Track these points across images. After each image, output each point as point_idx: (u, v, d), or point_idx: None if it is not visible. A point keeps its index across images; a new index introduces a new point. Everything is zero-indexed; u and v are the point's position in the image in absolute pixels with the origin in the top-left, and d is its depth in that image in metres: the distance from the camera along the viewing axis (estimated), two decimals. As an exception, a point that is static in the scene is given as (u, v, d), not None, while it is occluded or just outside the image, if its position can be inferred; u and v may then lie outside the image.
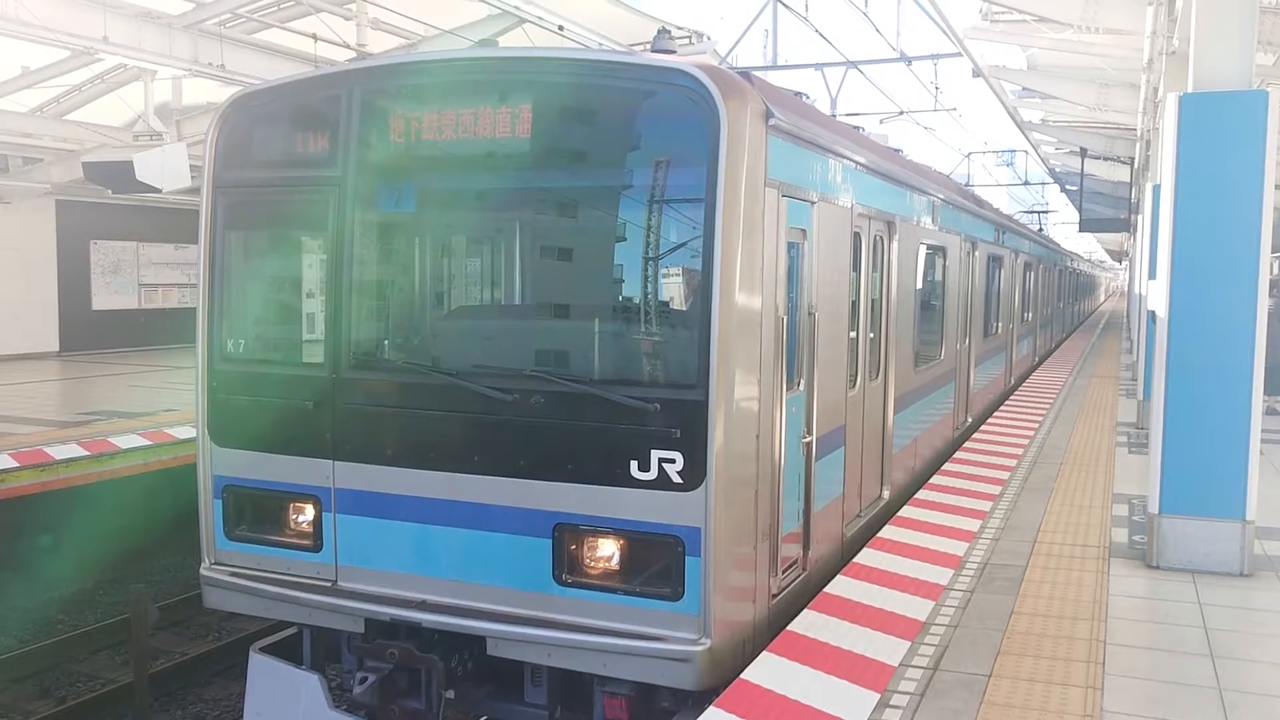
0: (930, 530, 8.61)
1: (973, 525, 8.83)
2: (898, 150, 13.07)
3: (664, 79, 5.85)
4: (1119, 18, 14.96)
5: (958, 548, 8.12)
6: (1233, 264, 7.29)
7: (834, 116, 10.01)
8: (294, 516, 6.81)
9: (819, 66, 23.22)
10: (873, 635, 6.15)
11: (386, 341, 6.77)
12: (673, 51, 7.28)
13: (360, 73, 6.70)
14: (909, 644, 6.03)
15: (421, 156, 6.43)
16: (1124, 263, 60.81)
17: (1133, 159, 25.94)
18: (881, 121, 26.81)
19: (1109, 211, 34.00)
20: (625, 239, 6.11)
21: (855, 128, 11.60)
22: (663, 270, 5.96)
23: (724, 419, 5.65)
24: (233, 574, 6.95)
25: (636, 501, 5.76)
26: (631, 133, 6.07)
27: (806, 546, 7.10)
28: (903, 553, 7.91)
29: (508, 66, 6.36)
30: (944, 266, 12.17)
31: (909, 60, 21.73)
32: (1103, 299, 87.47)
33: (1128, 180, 27.17)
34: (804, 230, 6.82)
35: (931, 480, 10.65)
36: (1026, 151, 37.68)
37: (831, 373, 7.55)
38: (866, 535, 8.49)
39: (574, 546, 5.98)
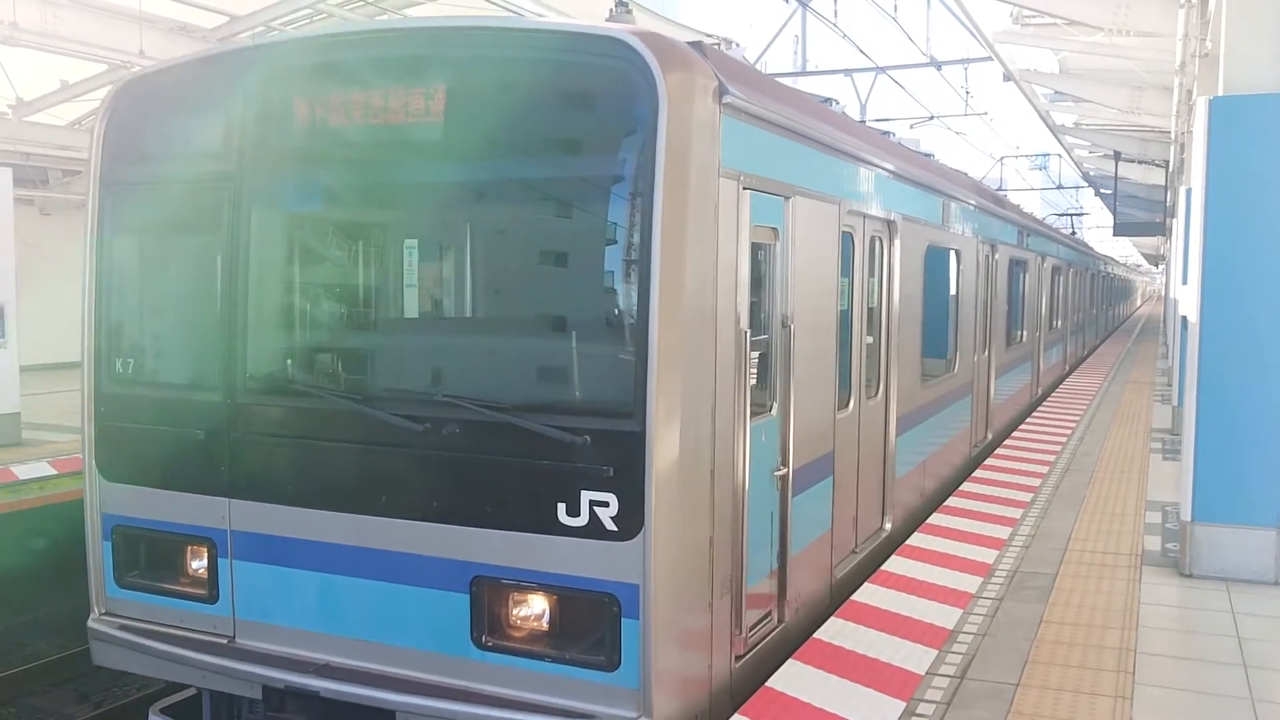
0: (959, 537, 8.55)
1: (1003, 533, 8.77)
2: (930, 153, 12.99)
3: (593, 48, 5.01)
4: (1151, 20, 14.83)
5: (987, 555, 8.06)
6: (1265, 270, 7.20)
7: (845, 111, 9.23)
8: (188, 562, 6.01)
9: (848, 72, 23.23)
10: (899, 643, 6.12)
11: (289, 362, 5.84)
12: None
13: (255, 51, 5.92)
14: (936, 652, 6.00)
15: (323, 148, 5.63)
16: (1160, 267, 60.11)
17: (1167, 162, 25.67)
18: (912, 126, 26.78)
19: (1144, 215, 33.70)
20: (552, 240, 5.40)
21: (882, 130, 11.29)
22: (594, 276, 5.19)
23: (666, 453, 4.81)
24: (122, 627, 6.11)
25: (565, 552, 4.92)
26: (558, 114, 5.19)
27: (783, 595, 6.27)
28: (931, 560, 7.87)
29: (416, 40, 5.56)
30: (958, 271, 11.31)
31: (939, 65, 21.68)
32: (1139, 303, 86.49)
33: (1163, 184, 26.88)
34: (775, 229, 6.01)
35: (961, 488, 10.57)
36: (1060, 155, 37.41)
37: (814, 393, 6.72)
38: (867, 571, 7.70)
39: (495, 604, 5.15)
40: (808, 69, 23.04)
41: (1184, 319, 9.77)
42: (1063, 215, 43.36)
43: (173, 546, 6.02)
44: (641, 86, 4.81)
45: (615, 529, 4.82)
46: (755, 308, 5.86)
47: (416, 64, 5.39)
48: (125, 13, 14.78)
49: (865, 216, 7.74)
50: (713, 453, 5.22)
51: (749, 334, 5.55)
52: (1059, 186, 47.22)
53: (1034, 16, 16.87)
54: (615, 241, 5.04)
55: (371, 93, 5.41)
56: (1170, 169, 25.25)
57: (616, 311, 5.02)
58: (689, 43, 5.27)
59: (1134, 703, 5.34)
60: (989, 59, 19.58)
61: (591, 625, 4.96)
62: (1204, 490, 7.46)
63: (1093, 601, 6.94)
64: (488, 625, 5.16)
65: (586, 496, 4.86)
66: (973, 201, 11.96)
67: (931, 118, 25.82)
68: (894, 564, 7.76)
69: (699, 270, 5.02)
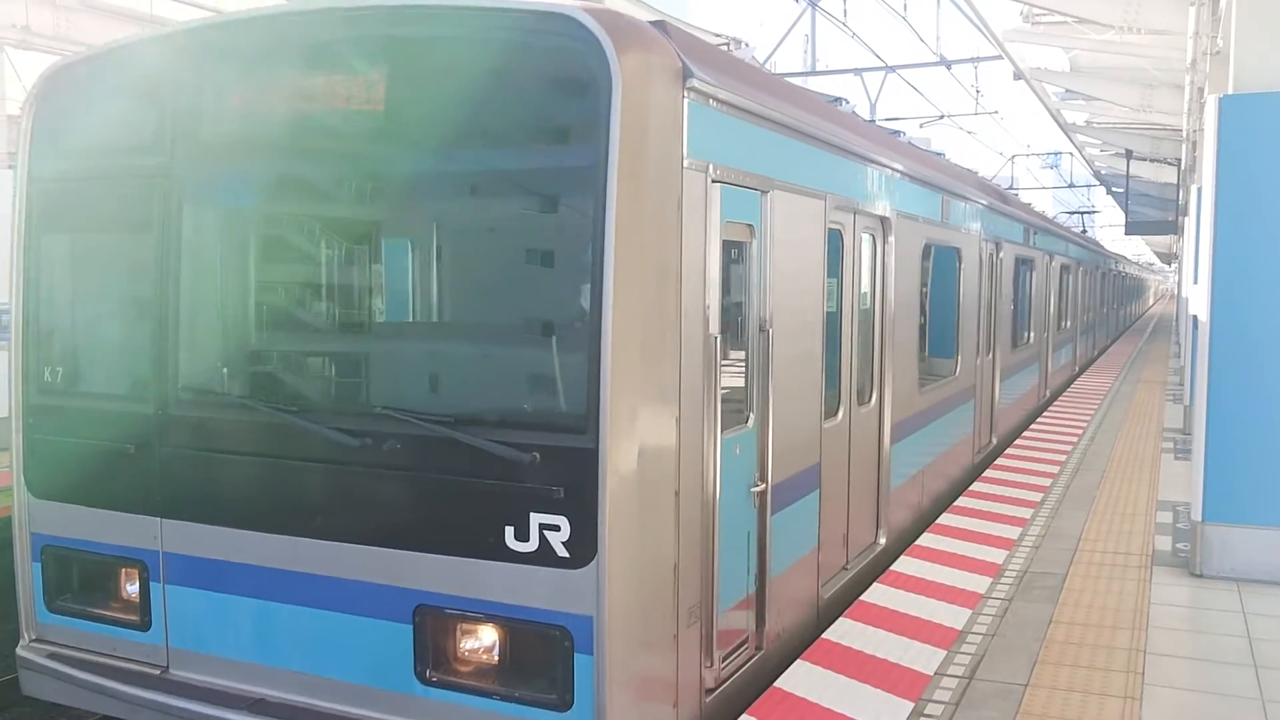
0: (969, 537, 8.54)
1: (1012, 533, 8.75)
2: (941, 152, 12.94)
3: (540, 27, 4.59)
4: (1161, 18, 14.77)
5: (997, 555, 8.05)
6: (1276, 269, 7.17)
7: (855, 110, 9.01)
8: (120, 586, 5.60)
9: (858, 72, 23.21)
10: (908, 643, 6.12)
11: (223, 371, 5.45)
12: None
13: (186, 35, 5.50)
14: (945, 652, 5.99)
15: (256, 138, 5.20)
16: (1173, 265, 59.92)
17: (1179, 160, 25.56)
18: (922, 126, 26.74)
19: (1156, 214, 33.61)
20: (498, 238, 5.03)
21: (891, 129, 11.03)
22: (543, 278, 4.78)
23: (622, 471, 4.41)
24: (51, 655, 5.70)
25: (514, 580, 4.53)
26: (504, 99, 4.70)
27: (761, 621, 5.86)
28: (940, 560, 7.86)
29: (350, 20, 5.07)
30: (959, 270, 10.80)
31: (949, 64, 21.64)
32: (1152, 302, 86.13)
33: (1175, 182, 26.77)
34: (751, 226, 5.61)
35: (971, 488, 10.56)
36: (1071, 154, 37.30)
37: (797, 401, 6.28)
38: (859, 588, 7.34)
39: (439, 636, 4.77)
40: (817, 68, 23.05)
41: (1195, 318, 9.74)
42: (1073, 213, 43.23)
43: (104, 569, 5.62)
44: (593, 68, 4.38)
45: (567, 555, 4.43)
46: (729, 311, 5.49)
47: (350, 46, 4.99)
48: (137, 16, 14.86)
49: (855, 213, 7.32)
50: (678, 470, 4.82)
51: (720, 339, 5.14)
52: (1070, 185, 47.09)
53: (1044, 15, 16.82)
54: (566, 239, 4.65)
55: (300, 78, 5.04)
56: (1182, 167, 25.14)
57: (567, 317, 4.59)
58: (651, 22, 4.89)
59: (1143, 703, 5.32)
60: (999, 58, 19.53)
61: (542, 661, 4.56)
62: (1215, 490, 7.44)
63: (1103, 602, 6.93)
64: (432, 659, 4.77)
65: (536, 519, 4.47)
66: (975, 198, 11.54)
67: (942, 117, 25.77)
68: (903, 564, 7.76)
69: (660, 270, 4.64)
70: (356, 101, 4.90)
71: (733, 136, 5.36)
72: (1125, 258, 49.35)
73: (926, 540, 8.45)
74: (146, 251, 5.43)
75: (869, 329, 7.88)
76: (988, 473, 11.35)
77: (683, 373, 4.82)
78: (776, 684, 5.52)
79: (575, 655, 4.45)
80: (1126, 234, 32.96)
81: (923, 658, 5.91)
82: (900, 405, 8.42)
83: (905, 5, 18.53)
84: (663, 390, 4.70)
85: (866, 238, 7.70)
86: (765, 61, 20.42)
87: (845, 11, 19.26)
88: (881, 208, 7.85)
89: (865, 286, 7.78)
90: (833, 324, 7.00)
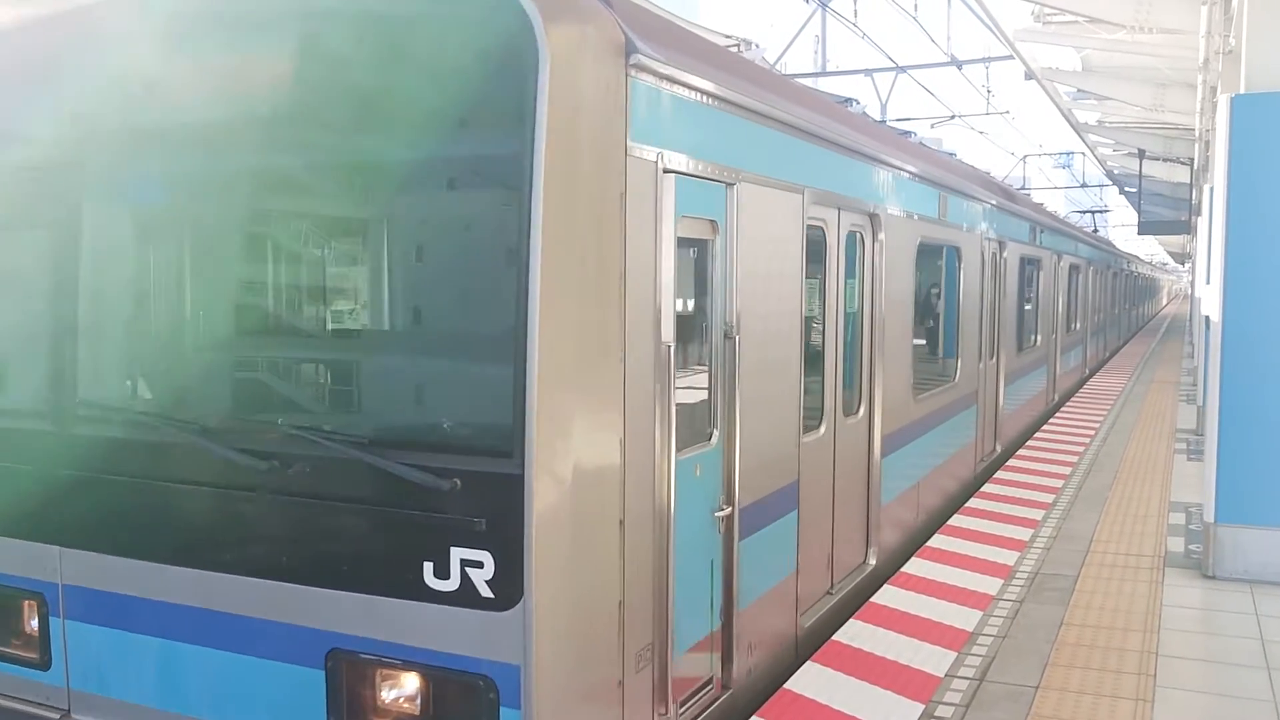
0: (980, 539, 8.52)
1: (1024, 534, 8.73)
2: (947, 147, 12.88)
3: None
4: (1173, 17, 14.72)
5: (1008, 557, 8.03)
6: (1288, 268, 7.15)
7: (866, 111, 8.57)
8: (21, 621, 5.02)
9: (869, 72, 23.18)
10: (918, 645, 6.11)
11: (127, 385, 4.94)
12: None
13: (73, 13, 4.97)
14: (955, 654, 5.98)
15: (148, 124, 4.65)
16: (1187, 265, 59.68)
17: (1192, 160, 25.46)
18: (933, 126, 26.68)
19: (1169, 213, 33.46)
20: (415, 236, 4.51)
21: (902, 130, 10.89)
22: (464, 280, 4.24)
23: (552, 500, 3.90)
24: None
25: (435, 623, 4.00)
26: (418, 78, 4.18)
27: (728, 658, 5.32)
28: (951, 562, 7.84)
29: None
30: (959, 271, 10.23)
31: (960, 64, 21.60)
32: (1165, 302, 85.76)
33: (1188, 181, 26.68)
34: (714, 222, 5.11)
35: (983, 490, 10.53)
36: (1083, 153, 37.18)
37: (771, 414, 5.76)
38: (846, 613, 6.80)
39: (354, 683, 4.23)
40: (828, 69, 23.02)
41: (1207, 318, 9.70)
42: (1085, 212, 43.08)
43: (2, 602, 5.04)
44: (517, 41, 3.85)
45: (491, 596, 3.87)
46: (689, 316, 5.01)
47: (243, 19, 4.48)
48: None
49: (839, 208, 6.77)
50: (623, 496, 4.28)
51: (674, 348, 4.57)
52: (1083, 185, 46.94)
53: (1055, 14, 16.78)
54: (487, 237, 4.16)
55: (185, 56, 4.52)
56: (1195, 166, 25.05)
57: (489, 324, 4.07)
58: None
59: (1155, 706, 5.31)
60: (1010, 58, 19.49)
61: (466, 714, 4.02)
62: (1227, 491, 7.41)
63: (1114, 604, 6.90)
64: (346, 709, 4.22)
65: (457, 555, 3.92)
66: (977, 195, 10.97)
67: (953, 117, 25.71)
68: (914, 566, 7.75)
69: (599, 271, 4.12)
70: (258, 83, 4.35)
71: (689, 122, 4.81)
72: (1137, 257, 49.16)
73: (937, 542, 8.43)
74: (44, 254, 4.91)
75: (856, 334, 7.37)
76: (999, 474, 11.32)
77: (628, 386, 4.27)
78: (786, 685, 5.52)
79: (501, 709, 3.91)
80: (1139, 234, 32.88)
81: (933, 660, 5.90)
82: (892, 415, 7.91)
83: (916, 5, 18.50)
84: (602, 406, 4.17)
85: (853, 236, 7.19)
86: (775, 63, 20.42)
87: (855, 12, 19.24)
88: (870, 203, 7.34)
89: (852, 288, 7.25)
90: (813, 329, 6.49)
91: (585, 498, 4.07)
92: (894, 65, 21.41)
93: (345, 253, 4.75)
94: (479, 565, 3.89)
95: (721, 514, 5.24)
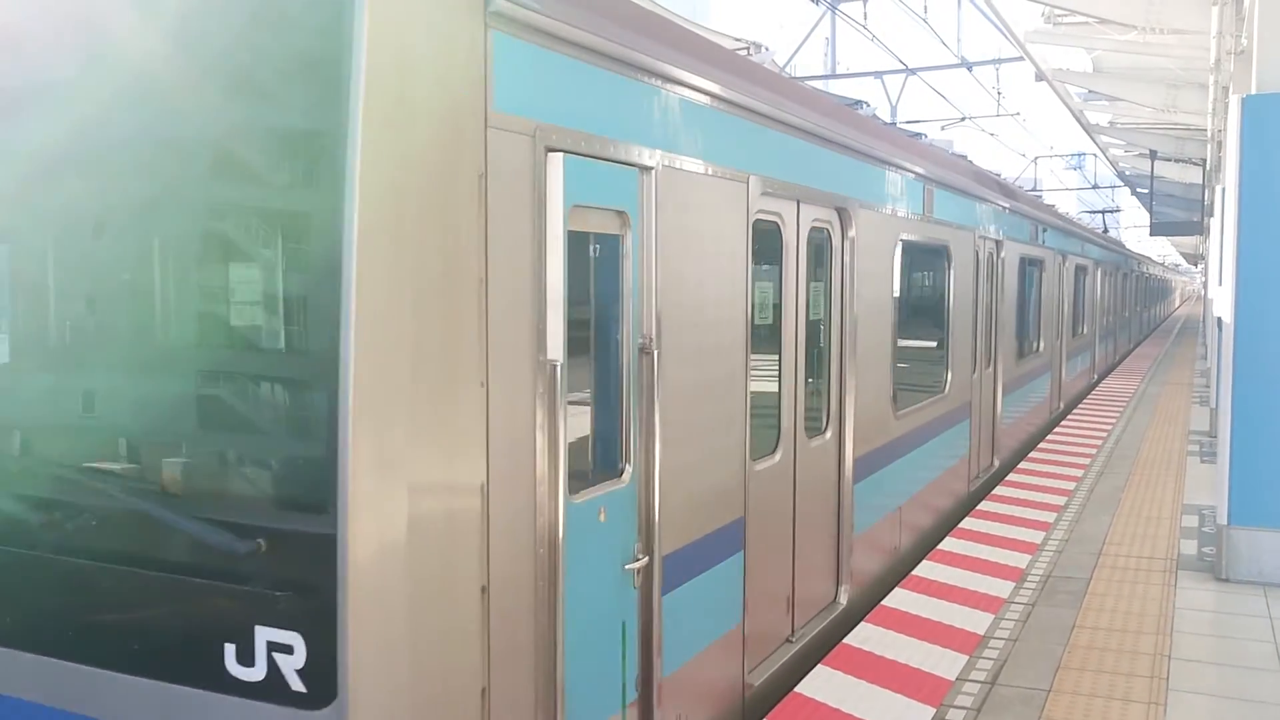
0: (991, 542, 8.50)
1: (1036, 537, 8.70)
2: (957, 148, 12.80)
3: None
4: (1184, 18, 14.68)
5: (1020, 560, 8.00)
6: (1301, 269, 7.12)
7: (875, 113, 8.12)
8: None
9: (879, 74, 23.18)
10: (929, 648, 6.09)
11: None
12: None
13: None
14: (967, 658, 5.97)
15: None
16: (1199, 266, 59.43)
17: (1204, 160, 25.36)
18: (943, 128, 26.64)
19: (1181, 214, 33.31)
20: (204, 231, 3.54)
21: (912, 132, 10.58)
22: (262, 287, 3.39)
23: (376, 567, 3.06)
24: None
25: None
26: (197, 32, 3.32)
27: None
28: (962, 565, 7.83)
29: None
30: (949, 272, 9.45)
31: (970, 66, 21.57)
32: (1178, 304, 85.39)
33: (1200, 182, 26.57)
34: (624, 213, 4.28)
35: (994, 492, 10.50)
36: (1095, 155, 37.08)
37: (707, 441, 4.97)
38: (810, 661, 6.07)
39: None
40: (838, 71, 23.02)
41: (1219, 320, 9.66)
42: (1095, 213, 42.95)
43: None
44: None
45: (303, 690, 3.06)
46: (588, 327, 4.19)
47: None
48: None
49: (799, 200, 5.97)
50: (485, 556, 3.44)
51: (563, 367, 3.77)
52: (1094, 186, 46.82)
53: (1065, 15, 16.75)
54: (290, 234, 3.33)
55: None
56: (1207, 167, 24.95)
57: (294, 345, 3.30)
58: None
59: (1167, 709, 5.28)
60: (1021, 59, 19.44)
61: None
62: (1240, 493, 7.38)
63: (1127, 606, 6.88)
64: None
65: (262, 635, 3.11)
66: (970, 190, 10.11)
67: (963, 119, 25.69)
68: (925, 569, 7.73)
69: (443, 275, 3.27)
70: (50, 51, 3.58)
71: (584, 90, 3.97)
72: (1149, 258, 48.94)
73: (949, 545, 8.41)
74: None
75: (823, 344, 6.57)
76: (1011, 476, 11.28)
77: (493, 416, 3.45)
78: (797, 689, 5.51)
79: None
80: (1152, 235, 32.72)
81: (944, 663, 5.89)
82: (868, 434, 7.14)
83: (925, 7, 18.47)
84: (454, 444, 3.33)
85: (817, 232, 6.37)
86: (785, 65, 20.41)
87: (865, 14, 19.23)
88: (837, 195, 6.50)
89: (817, 292, 6.45)
90: (765, 340, 5.72)
91: (427, 561, 3.23)
92: (904, 67, 21.39)
93: (123, 257, 3.68)
94: (288, 650, 3.08)
95: (636, 565, 4.36)
